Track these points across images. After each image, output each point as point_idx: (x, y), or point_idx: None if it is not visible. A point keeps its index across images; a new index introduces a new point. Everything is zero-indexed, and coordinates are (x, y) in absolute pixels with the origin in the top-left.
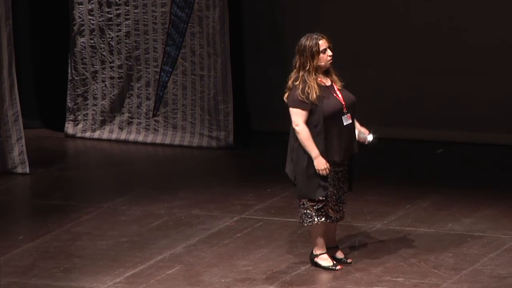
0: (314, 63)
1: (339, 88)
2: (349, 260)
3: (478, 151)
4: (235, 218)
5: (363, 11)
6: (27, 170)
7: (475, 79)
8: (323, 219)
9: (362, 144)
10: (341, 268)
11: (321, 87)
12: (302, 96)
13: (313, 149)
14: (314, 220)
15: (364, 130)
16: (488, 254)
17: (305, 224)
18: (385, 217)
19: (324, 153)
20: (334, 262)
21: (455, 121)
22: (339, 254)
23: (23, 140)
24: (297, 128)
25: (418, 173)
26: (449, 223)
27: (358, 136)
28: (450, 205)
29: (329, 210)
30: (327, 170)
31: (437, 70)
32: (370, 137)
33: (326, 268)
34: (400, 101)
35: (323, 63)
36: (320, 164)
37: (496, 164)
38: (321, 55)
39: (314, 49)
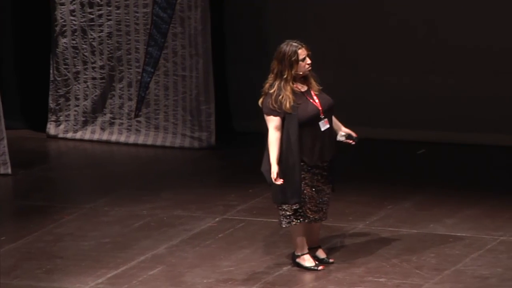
0: (292, 72)
1: (316, 93)
2: (331, 260)
3: (459, 152)
4: (217, 219)
5: (346, 13)
6: (9, 171)
7: (456, 80)
8: (300, 219)
9: (343, 146)
10: (323, 269)
11: (297, 95)
12: (275, 105)
13: (272, 155)
14: (292, 221)
15: (344, 130)
16: (470, 255)
17: (284, 226)
18: (367, 218)
19: (297, 157)
20: (316, 263)
21: (437, 122)
22: (321, 254)
23: (5, 141)
24: (269, 136)
25: (400, 173)
26: (431, 224)
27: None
28: (432, 206)
29: (307, 210)
30: (276, 180)
31: (418, 71)
32: (339, 136)
33: (308, 269)
34: (381, 102)
35: (301, 72)
36: (273, 172)
37: (478, 164)
38: (300, 63)
39: (293, 58)
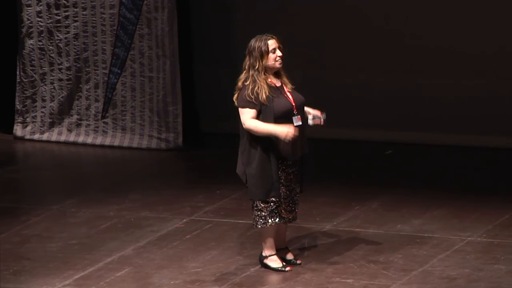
0: (262, 63)
1: (289, 90)
2: (298, 262)
3: (427, 152)
4: (185, 220)
5: (315, 12)
6: None
7: (424, 80)
8: (277, 220)
9: (312, 146)
10: (291, 270)
11: (271, 88)
12: (251, 96)
13: (269, 128)
14: (268, 222)
15: (311, 112)
16: (438, 255)
17: (259, 226)
18: (334, 218)
19: (273, 153)
20: (284, 264)
21: (404, 122)
22: (289, 256)
23: None
24: (246, 127)
25: (367, 174)
26: (399, 224)
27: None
28: (399, 206)
29: (282, 211)
30: (291, 132)
31: (386, 71)
32: (309, 121)
33: (275, 270)
34: (348, 102)
35: (271, 63)
36: (282, 131)
37: (446, 165)
38: (270, 54)
39: (263, 48)
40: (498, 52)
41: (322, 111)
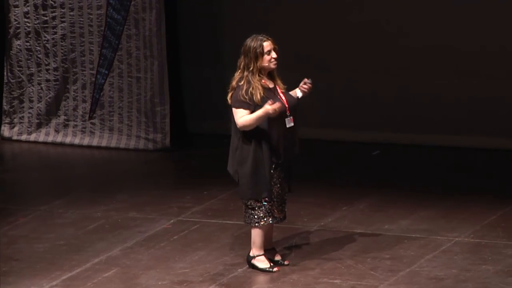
0: (257, 64)
1: (282, 91)
2: (286, 262)
3: (414, 153)
4: (172, 221)
5: (300, 14)
6: None
7: (412, 80)
8: (270, 220)
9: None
10: (278, 270)
11: (265, 89)
12: (245, 97)
13: (258, 114)
14: (261, 221)
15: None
16: (425, 256)
17: (253, 225)
18: (322, 219)
19: (266, 153)
20: (271, 264)
21: (392, 123)
22: (276, 256)
23: None
24: (240, 126)
25: (355, 175)
26: (386, 225)
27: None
28: (387, 207)
29: (275, 210)
30: (274, 105)
31: (374, 71)
32: (298, 93)
33: (263, 270)
34: (336, 103)
35: (266, 64)
36: (267, 109)
37: (433, 165)
38: (265, 56)
39: (258, 50)
40: (479, 52)
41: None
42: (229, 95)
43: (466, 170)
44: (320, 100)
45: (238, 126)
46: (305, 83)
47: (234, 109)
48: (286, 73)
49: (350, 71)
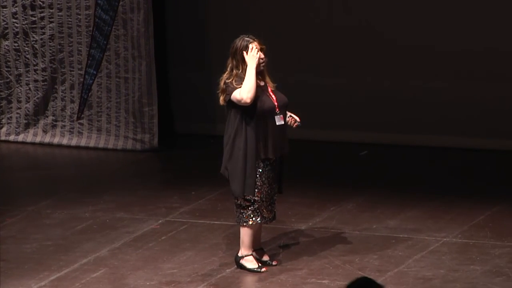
0: (245, 66)
1: (272, 89)
2: (274, 263)
3: (402, 153)
4: (160, 221)
5: (287, 14)
6: None
7: (401, 81)
8: (258, 219)
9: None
10: (266, 270)
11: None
12: (238, 85)
13: (248, 75)
14: (250, 220)
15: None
16: (413, 256)
17: (243, 224)
18: (309, 219)
19: (255, 150)
20: (259, 264)
21: (379, 123)
22: (264, 257)
23: None
24: (243, 93)
25: (343, 175)
26: (374, 225)
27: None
28: (374, 207)
29: (264, 210)
30: (252, 52)
31: (362, 71)
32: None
33: (251, 270)
34: (324, 103)
35: None
36: (250, 58)
37: (420, 166)
38: None
39: (245, 51)
40: (466, 51)
41: (300, 118)
42: (221, 97)
43: (453, 170)
44: (307, 100)
45: (244, 100)
46: (295, 121)
47: (232, 95)
48: (280, 76)
49: (339, 71)
